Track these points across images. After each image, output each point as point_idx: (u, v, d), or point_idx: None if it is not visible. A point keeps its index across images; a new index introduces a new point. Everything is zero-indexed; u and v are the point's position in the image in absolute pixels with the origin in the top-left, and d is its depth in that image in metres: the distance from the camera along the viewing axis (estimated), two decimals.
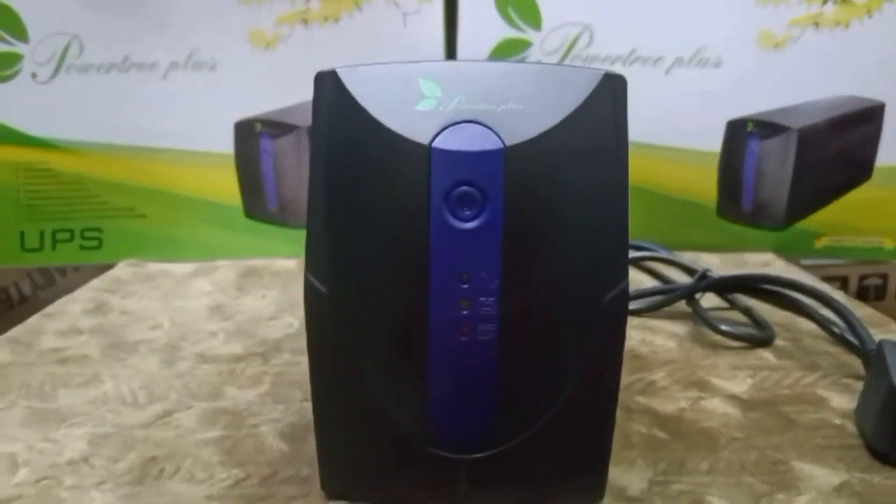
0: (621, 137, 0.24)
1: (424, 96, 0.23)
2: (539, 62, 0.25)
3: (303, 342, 0.42)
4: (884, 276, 0.80)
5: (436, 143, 0.23)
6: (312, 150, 0.24)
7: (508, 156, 0.23)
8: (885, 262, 0.66)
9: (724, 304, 0.44)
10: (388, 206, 0.23)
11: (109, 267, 0.58)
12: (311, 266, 0.25)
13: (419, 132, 0.23)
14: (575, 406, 0.24)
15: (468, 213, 0.23)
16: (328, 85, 0.24)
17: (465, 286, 0.23)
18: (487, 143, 0.23)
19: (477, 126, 0.23)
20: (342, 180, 0.24)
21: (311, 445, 0.30)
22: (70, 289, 0.70)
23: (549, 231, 0.23)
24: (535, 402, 0.24)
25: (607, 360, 0.24)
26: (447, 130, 0.23)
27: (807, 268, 0.60)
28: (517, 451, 0.24)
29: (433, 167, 0.23)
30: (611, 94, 0.24)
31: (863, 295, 0.79)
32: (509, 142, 0.23)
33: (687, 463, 0.29)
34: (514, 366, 0.24)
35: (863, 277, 0.80)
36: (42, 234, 0.58)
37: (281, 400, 0.35)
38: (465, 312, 0.23)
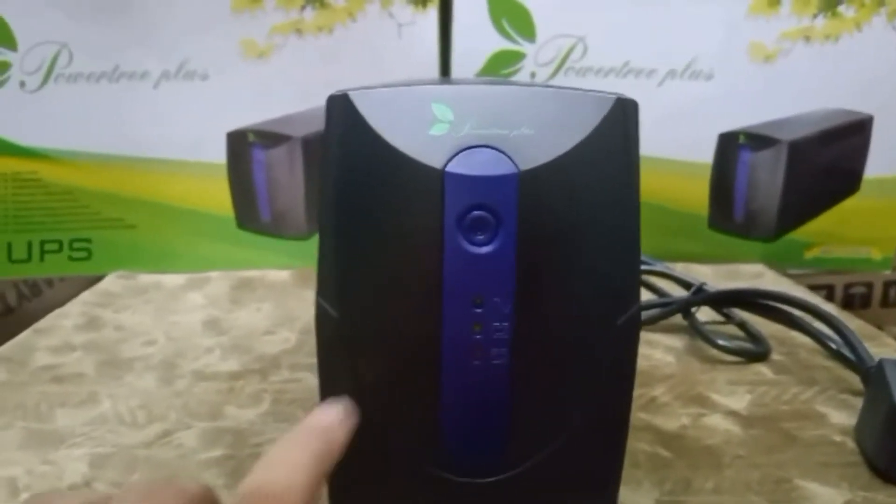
0: (633, 161, 0.24)
1: (437, 120, 0.23)
2: (551, 85, 0.25)
3: (300, 358, 0.42)
4: (868, 285, 0.81)
5: (449, 168, 0.22)
6: (323, 174, 0.24)
7: (522, 180, 0.22)
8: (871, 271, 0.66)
9: (719, 318, 0.45)
10: (400, 230, 0.23)
11: (97, 278, 0.57)
12: (322, 290, 0.25)
13: (432, 156, 0.23)
14: (587, 428, 0.24)
15: (482, 237, 0.23)
16: (340, 108, 0.24)
17: (479, 310, 0.23)
18: (501, 167, 0.23)
19: (490, 150, 0.23)
20: (354, 204, 0.24)
21: None
22: (57, 299, 0.69)
23: (563, 255, 0.23)
24: (548, 425, 0.24)
25: (620, 383, 0.24)
26: (460, 155, 0.23)
27: (793, 276, 0.60)
28: (529, 475, 0.24)
29: (447, 191, 0.22)
30: (622, 118, 0.24)
31: (848, 303, 0.80)
32: (523, 166, 0.23)
33: (693, 482, 0.29)
34: (526, 389, 0.24)
35: (848, 286, 0.81)
36: (30, 245, 0.57)
37: (283, 419, 0.34)
38: (478, 337, 0.23)
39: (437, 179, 0.22)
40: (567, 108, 0.23)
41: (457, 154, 0.23)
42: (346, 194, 0.24)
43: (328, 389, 0.25)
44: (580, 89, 0.24)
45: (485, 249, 0.23)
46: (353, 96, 0.23)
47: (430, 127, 0.23)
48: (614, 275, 0.24)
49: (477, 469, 0.24)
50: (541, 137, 0.23)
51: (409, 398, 0.24)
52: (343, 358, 0.24)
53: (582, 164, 0.23)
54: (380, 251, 0.23)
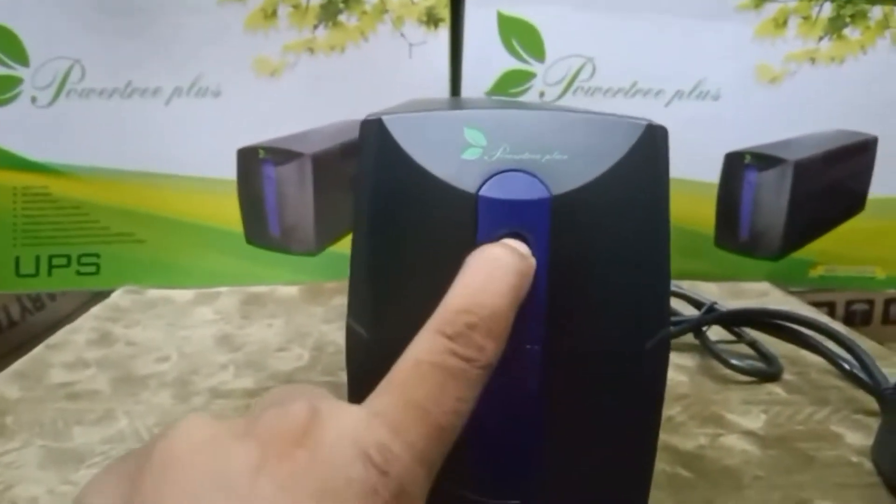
0: (663, 187, 0.24)
1: (469, 145, 0.23)
2: (582, 111, 0.25)
3: (315, 376, 0.42)
4: (870, 302, 0.82)
5: (483, 192, 0.23)
6: (357, 196, 0.24)
7: (555, 205, 0.23)
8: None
9: (730, 336, 0.45)
10: (432, 252, 0.23)
11: (100, 291, 0.57)
12: (352, 311, 0.25)
13: (466, 180, 0.23)
14: (616, 451, 0.24)
15: None
16: (373, 132, 0.24)
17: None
18: (534, 192, 0.23)
19: (523, 175, 0.23)
20: (386, 226, 0.24)
21: None
22: (59, 312, 0.70)
23: (593, 279, 0.23)
24: (577, 448, 0.24)
25: (649, 406, 0.25)
26: (493, 179, 0.23)
27: (796, 293, 0.61)
28: (559, 498, 0.24)
29: (480, 215, 0.23)
30: (653, 144, 0.24)
31: (849, 320, 0.81)
32: (555, 191, 0.23)
33: (714, 503, 0.30)
34: (556, 412, 0.24)
35: (849, 303, 0.82)
36: (38, 260, 0.57)
37: None
38: (509, 359, 0.23)
39: (470, 203, 0.23)
40: (598, 133, 0.24)
41: (490, 178, 0.23)
42: (379, 217, 0.24)
43: None
44: (611, 114, 0.24)
45: None
46: (387, 120, 0.24)
47: (462, 151, 0.23)
48: (644, 298, 0.24)
49: (506, 491, 0.24)
50: (573, 162, 0.23)
51: None
52: (373, 378, 0.24)
53: (613, 188, 0.23)
54: (412, 273, 0.24)
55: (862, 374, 0.37)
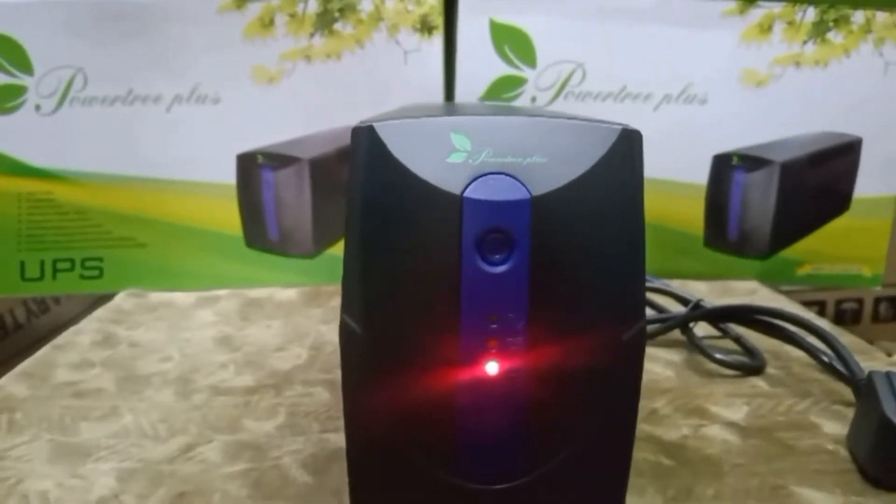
0: (638, 187, 0.26)
1: (455, 149, 0.25)
2: (561, 115, 0.27)
3: (312, 374, 0.43)
4: (860, 301, 0.83)
5: (467, 193, 0.24)
6: (349, 199, 0.26)
7: (535, 205, 0.24)
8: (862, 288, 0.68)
9: (716, 332, 0.46)
10: (421, 251, 0.25)
11: (103, 295, 0.58)
12: (346, 307, 0.26)
13: (451, 183, 0.24)
14: (595, 439, 0.26)
15: (497, 257, 0.24)
16: (364, 138, 0.25)
17: (494, 326, 0.25)
18: (515, 193, 0.24)
19: (505, 177, 0.24)
20: (377, 226, 0.25)
21: (334, 477, 0.32)
22: (64, 315, 0.71)
23: (572, 274, 0.25)
24: (558, 436, 0.26)
25: (626, 395, 0.26)
26: (477, 181, 0.24)
27: (787, 293, 0.62)
28: (540, 483, 0.26)
29: (465, 215, 0.24)
30: (628, 146, 0.25)
31: (840, 319, 0.82)
32: (535, 192, 0.24)
33: (694, 489, 0.31)
34: (538, 401, 0.25)
35: (839, 302, 0.83)
36: (42, 264, 0.58)
37: (299, 432, 0.36)
38: (494, 351, 0.25)
39: (455, 204, 0.24)
40: (576, 137, 0.25)
41: (474, 180, 0.24)
42: (370, 217, 0.25)
43: (350, 398, 0.27)
44: (588, 119, 0.26)
45: (500, 269, 0.24)
46: (377, 127, 0.25)
47: (448, 155, 0.25)
48: (620, 293, 0.25)
49: (491, 477, 0.26)
50: (552, 165, 0.25)
51: (428, 410, 0.26)
52: (365, 371, 0.26)
53: (590, 189, 0.25)
54: (401, 270, 0.25)
55: (839, 366, 0.38)
